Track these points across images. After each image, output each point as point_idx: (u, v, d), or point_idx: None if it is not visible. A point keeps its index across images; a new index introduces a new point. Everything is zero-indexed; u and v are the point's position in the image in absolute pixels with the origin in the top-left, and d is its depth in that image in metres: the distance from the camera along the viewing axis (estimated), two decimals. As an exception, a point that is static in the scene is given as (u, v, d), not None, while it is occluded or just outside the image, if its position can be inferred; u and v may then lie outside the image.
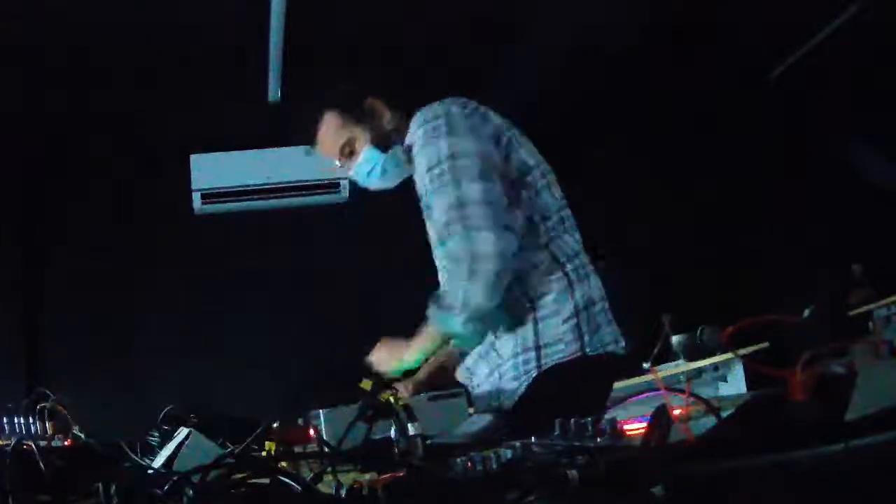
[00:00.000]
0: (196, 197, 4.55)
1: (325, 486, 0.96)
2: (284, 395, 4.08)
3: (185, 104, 4.23)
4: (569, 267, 1.95)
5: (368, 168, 2.11)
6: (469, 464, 0.88)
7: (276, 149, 4.64)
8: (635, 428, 0.95)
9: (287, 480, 0.88)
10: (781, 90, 4.79)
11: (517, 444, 0.93)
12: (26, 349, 4.42)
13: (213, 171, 4.57)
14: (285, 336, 4.53)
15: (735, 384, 3.88)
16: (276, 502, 0.87)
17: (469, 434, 1.44)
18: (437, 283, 2.17)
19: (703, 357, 3.91)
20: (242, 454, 1.11)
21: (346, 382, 1.21)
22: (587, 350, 1.89)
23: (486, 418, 1.59)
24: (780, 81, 4.81)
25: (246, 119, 4.43)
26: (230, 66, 4.00)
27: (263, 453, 1.18)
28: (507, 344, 1.93)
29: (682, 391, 0.93)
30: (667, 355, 4.10)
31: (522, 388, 1.89)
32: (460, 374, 2.08)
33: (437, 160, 1.92)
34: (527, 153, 2.02)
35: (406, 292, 2.44)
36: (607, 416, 0.97)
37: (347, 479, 0.96)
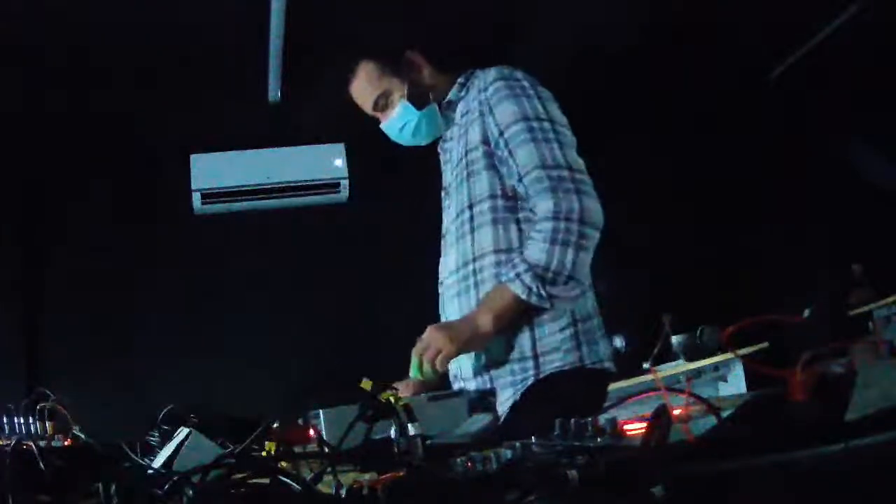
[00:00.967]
0: (196, 197, 4.56)
1: (325, 486, 0.96)
2: (284, 395, 4.08)
3: (185, 104, 4.23)
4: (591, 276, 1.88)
5: (401, 123, 2.02)
6: (469, 464, 0.88)
7: (276, 149, 4.65)
8: (635, 428, 0.95)
9: (287, 480, 0.88)
10: (781, 90, 4.79)
11: (517, 444, 0.93)
12: (26, 349, 4.42)
13: (213, 171, 4.57)
14: (285, 336, 4.53)
15: (735, 384, 3.89)
16: (276, 502, 0.87)
17: (469, 434, 1.43)
18: (438, 284, 2.14)
19: (703, 357, 3.91)
20: (242, 454, 1.11)
21: (346, 382, 1.21)
22: (585, 362, 1.83)
23: (486, 418, 1.58)
24: (780, 81, 4.82)
25: (246, 119, 4.43)
26: (230, 66, 4.00)
27: (263, 453, 1.18)
28: (497, 347, 1.84)
29: (682, 391, 0.93)
30: (667, 355, 4.11)
31: (518, 395, 1.82)
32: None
33: (535, 115, 1.83)
34: None
35: (406, 292, 2.45)
36: (607, 416, 0.97)
37: (347, 479, 0.96)
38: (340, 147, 4.67)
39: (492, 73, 1.92)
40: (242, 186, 4.59)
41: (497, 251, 1.85)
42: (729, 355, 3.65)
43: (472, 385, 1.92)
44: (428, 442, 1.12)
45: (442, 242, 2.06)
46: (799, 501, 0.69)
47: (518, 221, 1.85)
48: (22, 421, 1.64)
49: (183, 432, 1.28)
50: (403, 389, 2.00)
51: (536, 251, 1.74)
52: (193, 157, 4.56)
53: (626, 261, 4.60)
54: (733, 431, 0.82)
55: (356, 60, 2.01)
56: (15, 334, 4.42)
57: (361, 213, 4.68)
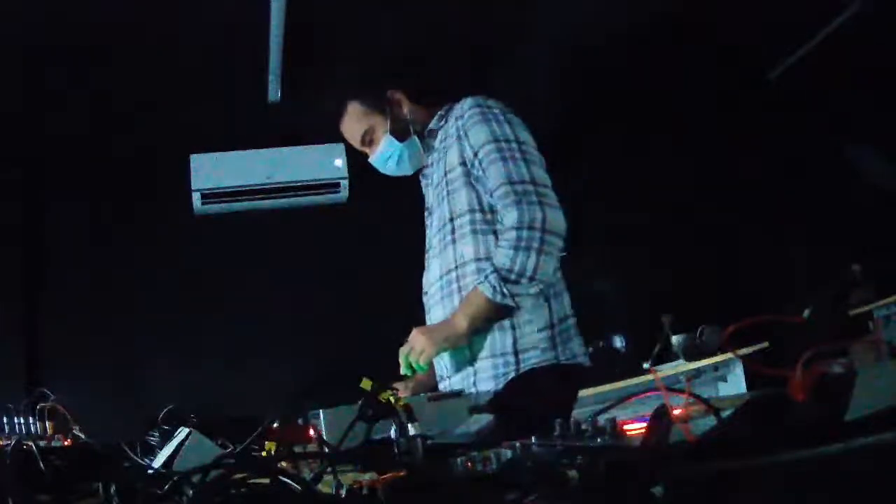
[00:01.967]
0: (196, 197, 4.55)
1: (325, 486, 0.96)
2: (284, 395, 4.08)
3: (185, 104, 4.23)
4: (553, 278, 2.04)
5: (387, 156, 2.22)
6: (469, 464, 0.88)
7: (276, 149, 4.65)
8: (635, 428, 0.95)
9: (287, 480, 0.88)
10: (781, 90, 4.79)
11: (517, 444, 0.93)
12: (26, 349, 4.42)
13: (213, 171, 4.57)
14: (285, 336, 4.53)
15: (735, 384, 3.88)
16: (276, 502, 0.87)
17: (469, 434, 1.44)
18: (423, 295, 2.23)
19: (703, 357, 3.91)
20: (242, 454, 1.11)
21: (346, 382, 1.21)
22: (560, 359, 2.01)
23: (486, 418, 1.58)
24: (780, 81, 4.81)
25: (246, 119, 4.43)
26: (230, 66, 4.00)
27: (263, 453, 1.18)
28: (481, 345, 2.02)
29: (682, 391, 0.93)
30: (667, 355, 4.10)
31: (500, 388, 1.98)
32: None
33: (504, 137, 2.03)
34: None
35: (406, 292, 2.45)
36: (607, 416, 0.97)
37: (347, 479, 0.96)
38: (340, 147, 4.66)
39: (468, 101, 2.12)
40: (242, 186, 4.59)
41: (478, 259, 2.04)
42: (729, 355, 3.64)
43: (455, 380, 2.08)
44: (428, 442, 1.12)
45: (425, 258, 2.24)
46: (799, 501, 0.69)
47: (495, 233, 2.03)
48: (22, 421, 1.64)
49: (183, 432, 1.28)
50: (403, 389, 2.06)
51: (502, 257, 1.94)
52: (193, 157, 4.56)
53: (626, 260, 4.61)
54: (733, 431, 0.82)
55: (343, 102, 2.23)
56: (15, 334, 4.41)
57: (361, 213, 4.68)
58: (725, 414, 0.86)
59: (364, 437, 1.14)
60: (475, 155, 2.04)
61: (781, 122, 4.77)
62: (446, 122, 2.18)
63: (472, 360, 2.04)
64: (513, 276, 1.91)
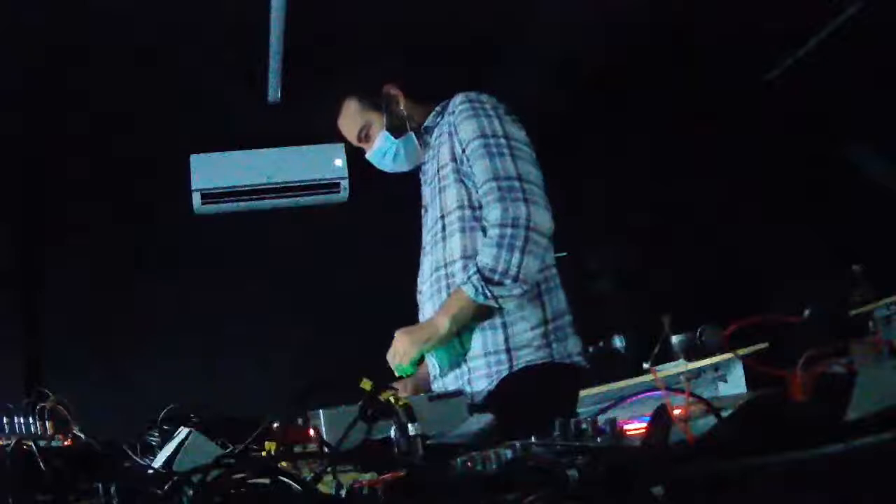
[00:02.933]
0: (196, 197, 4.55)
1: (325, 486, 0.96)
2: (284, 395, 4.07)
3: (185, 104, 4.23)
4: (538, 277, 2.01)
5: (383, 152, 2.22)
6: (469, 464, 0.88)
7: (276, 149, 4.65)
8: (635, 428, 0.95)
9: (287, 480, 0.88)
10: (781, 90, 4.79)
11: (517, 444, 0.93)
12: (26, 349, 4.41)
13: (213, 171, 4.57)
14: (285, 336, 4.53)
15: (735, 384, 3.87)
16: (276, 502, 0.87)
17: (469, 434, 1.44)
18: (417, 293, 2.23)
19: (703, 357, 3.90)
20: (242, 454, 1.11)
21: (346, 382, 1.21)
22: (555, 357, 1.99)
23: (486, 418, 1.59)
24: (780, 82, 4.81)
25: (246, 119, 4.42)
26: (230, 66, 4.00)
27: (263, 453, 1.18)
28: (474, 343, 2.00)
29: (682, 391, 0.93)
30: (667, 355, 4.10)
31: (493, 387, 1.97)
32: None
33: (492, 133, 2.00)
34: None
35: (406, 292, 2.45)
36: (607, 416, 0.98)
37: (347, 479, 0.96)
38: (340, 147, 4.66)
39: (459, 97, 2.11)
40: (242, 186, 4.59)
41: (465, 257, 2.02)
42: (729, 355, 3.64)
43: (449, 380, 2.07)
44: (428, 442, 1.12)
45: (422, 255, 2.24)
46: (799, 501, 0.69)
47: (485, 230, 2.00)
48: (22, 421, 1.64)
49: (183, 432, 1.28)
50: (403, 389, 2.05)
51: (486, 255, 1.91)
52: (193, 157, 4.56)
53: (626, 260, 4.61)
54: (733, 431, 0.82)
55: (340, 98, 2.24)
56: (15, 334, 4.41)
57: (361, 213, 4.68)
58: (725, 414, 0.86)
59: (364, 437, 1.14)
60: (463, 150, 2.03)
61: (781, 123, 4.77)
62: (441, 118, 2.16)
63: (465, 359, 2.02)
64: (496, 277, 1.89)
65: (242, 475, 0.89)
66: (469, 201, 2.03)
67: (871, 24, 4.09)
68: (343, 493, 0.89)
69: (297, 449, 1.25)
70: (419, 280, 2.23)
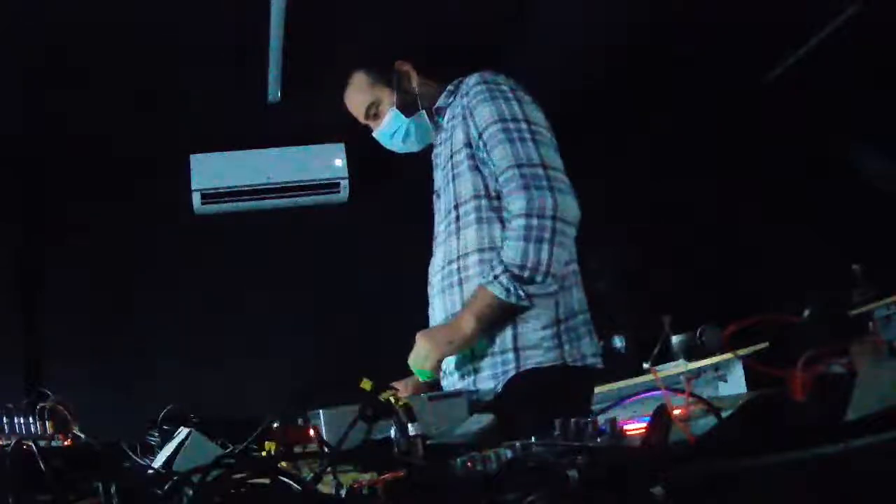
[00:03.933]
0: (196, 197, 4.55)
1: (325, 486, 0.96)
2: (284, 395, 4.07)
3: (185, 104, 4.23)
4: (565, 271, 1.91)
5: (392, 131, 2.11)
6: (469, 464, 0.88)
7: (276, 149, 4.65)
8: (635, 428, 0.95)
9: (287, 480, 0.88)
10: (781, 90, 4.79)
11: (517, 444, 0.93)
12: (26, 349, 4.41)
13: (213, 171, 4.57)
14: (285, 336, 4.53)
15: (735, 384, 3.88)
16: (276, 502, 0.87)
17: (469, 434, 1.44)
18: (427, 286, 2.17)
19: (703, 357, 3.91)
20: (242, 454, 1.11)
21: (346, 382, 1.21)
22: (567, 359, 1.86)
23: (486, 418, 1.59)
24: (779, 82, 4.81)
25: (246, 119, 4.43)
26: (230, 66, 4.00)
27: (263, 453, 1.18)
28: (481, 342, 1.89)
29: (682, 391, 0.93)
30: (667, 355, 4.10)
31: (500, 388, 1.87)
32: None
33: (512, 116, 1.88)
34: None
35: (406, 292, 2.45)
36: (607, 416, 0.97)
37: (347, 479, 0.96)
38: (340, 147, 4.67)
39: (473, 77, 1.99)
40: (242, 186, 4.59)
41: (481, 250, 1.90)
42: (729, 355, 3.64)
43: (456, 379, 1.97)
44: (428, 442, 1.12)
45: (433, 245, 2.11)
46: (799, 502, 0.69)
47: (502, 220, 1.88)
48: (22, 421, 1.64)
49: (183, 432, 1.28)
50: (403, 389, 2.02)
51: (511, 250, 1.78)
52: (193, 157, 4.56)
53: (626, 260, 4.61)
54: (733, 431, 0.82)
55: (348, 71, 2.11)
56: (15, 334, 4.41)
57: (361, 213, 4.68)
58: (725, 414, 0.86)
59: (364, 437, 1.14)
60: (480, 136, 1.90)
61: (781, 123, 4.77)
62: (454, 98, 2.03)
63: (472, 358, 1.92)
64: (526, 273, 1.76)
65: (242, 475, 0.89)
66: (486, 190, 1.90)
67: (871, 24, 4.09)
68: (343, 493, 0.89)
69: (297, 449, 1.25)
70: (430, 271, 2.11)
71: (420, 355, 1.90)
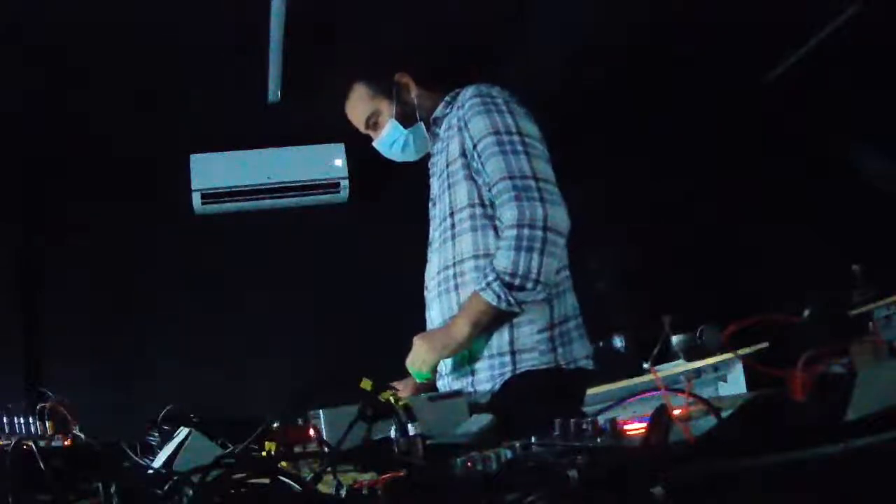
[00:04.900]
0: (196, 197, 4.56)
1: (325, 486, 0.96)
2: (284, 395, 4.08)
3: (185, 104, 4.23)
4: (556, 279, 1.98)
5: (391, 141, 2.17)
6: (469, 464, 0.88)
7: (276, 149, 4.65)
8: (635, 428, 0.95)
9: (287, 480, 0.88)
10: (781, 90, 4.79)
11: (517, 444, 0.93)
12: (26, 349, 4.41)
13: (213, 171, 4.57)
14: (285, 336, 4.53)
15: (735, 384, 3.88)
16: (276, 502, 0.87)
17: (469, 434, 1.44)
18: (424, 290, 2.20)
19: (703, 357, 3.91)
20: (242, 454, 1.11)
21: (346, 382, 1.21)
22: (560, 362, 1.95)
23: (485, 418, 1.59)
24: (779, 82, 4.81)
25: (246, 119, 4.42)
26: (230, 66, 4.00)
27: (263, 453, 1.18)
28: (479, 345, 1.97)
29: (682, 391, 0.93)
30: (667, 355, 4.10)
31: (496, 389, 1.94)
32: None
33: (505, 129, 1.95)
34: None
35: (406, 292, 2.45)
36: (607, 416, 0.97)
37: (347, 479, 0.96)
38: (340, 147, 4.67)
39: (469, 90, 2.05)
40: (242, 186, 4.59)
41: (476, 256, 1.98)
42: (729, 355, 3.64)
43: (453, 380, 2.04)
44: (428, 442, 1.12)
45: (428, 251, 2.19)
46: (798, 501, 0.69)
47: (496, 228, 1.96)
48: (22, 421, 1.64)
49: (183, 432, 1.28)
50: (403, 389, 2.04)
51: (503, 259, 1.86)
52: (193, 157, 4.56)
53: (626, 260, 4.61)
54: (733, 431, 0.81)
55: (349, 83, 2.18)
56: (15, 334, 4.41)
57: (361, 213, 4.68)
58: (725, 414, 0.86)
59: (364, 437, 1.14)
60: (475, 147, 1.97)
61: (781, 123, 4.77)
62: (451, 109, 2.11)
63: (470, 360, 1.99)
64: (517, 281, 1.84)
65: (242, 475, 0.89)
66: (480, 199, 1.98)
67: (871, 24, 4.09)
68: (343, 493, 0.89)
69: (298, 449, 1.25)
70: (426, 276, 2.18)
71: (417, 358, 1.98)
